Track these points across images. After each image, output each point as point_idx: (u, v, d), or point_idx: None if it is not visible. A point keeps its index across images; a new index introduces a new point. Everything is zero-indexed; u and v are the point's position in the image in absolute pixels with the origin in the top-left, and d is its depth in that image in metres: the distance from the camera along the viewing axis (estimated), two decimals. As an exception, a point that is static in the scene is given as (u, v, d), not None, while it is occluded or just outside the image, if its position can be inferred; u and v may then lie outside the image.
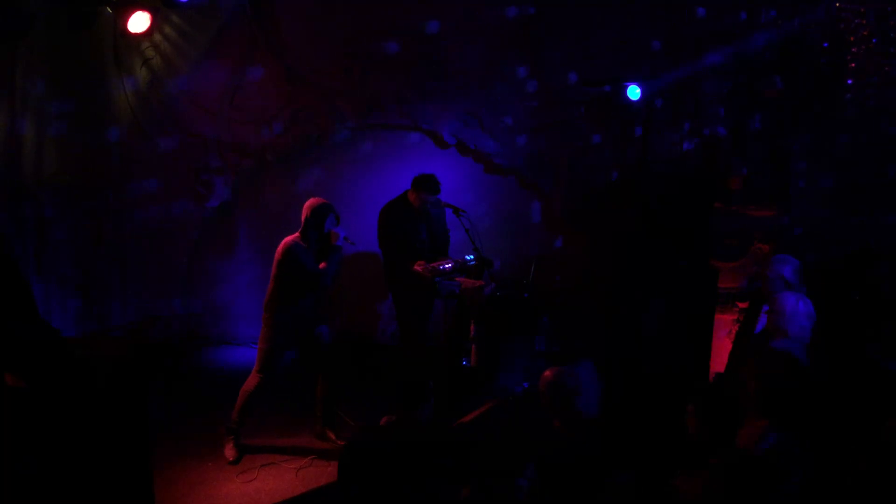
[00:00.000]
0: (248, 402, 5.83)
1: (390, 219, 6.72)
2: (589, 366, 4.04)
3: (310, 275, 5.75)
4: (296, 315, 5.83)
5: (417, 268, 6.62)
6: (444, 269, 6.71)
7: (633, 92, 7.59)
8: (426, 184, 6.64)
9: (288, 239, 5.78)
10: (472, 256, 6.82)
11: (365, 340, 7.67)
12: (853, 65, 7.90)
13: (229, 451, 5.81)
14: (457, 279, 6.87)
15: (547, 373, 4.10)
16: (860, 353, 5.86)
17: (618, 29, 7.89)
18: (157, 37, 7.31)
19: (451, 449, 4.21)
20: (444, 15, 7.64)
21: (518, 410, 6.15)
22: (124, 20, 6.63)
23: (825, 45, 8.02)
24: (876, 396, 4.68)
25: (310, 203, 5.85)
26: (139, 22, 6.69)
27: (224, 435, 5.88)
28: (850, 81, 7.94)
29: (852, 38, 7.84)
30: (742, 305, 6.68)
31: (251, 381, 5.82)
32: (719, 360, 6.60)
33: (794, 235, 7.68)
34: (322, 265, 5.80)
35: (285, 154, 7.91)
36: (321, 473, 5.62)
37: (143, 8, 6.63)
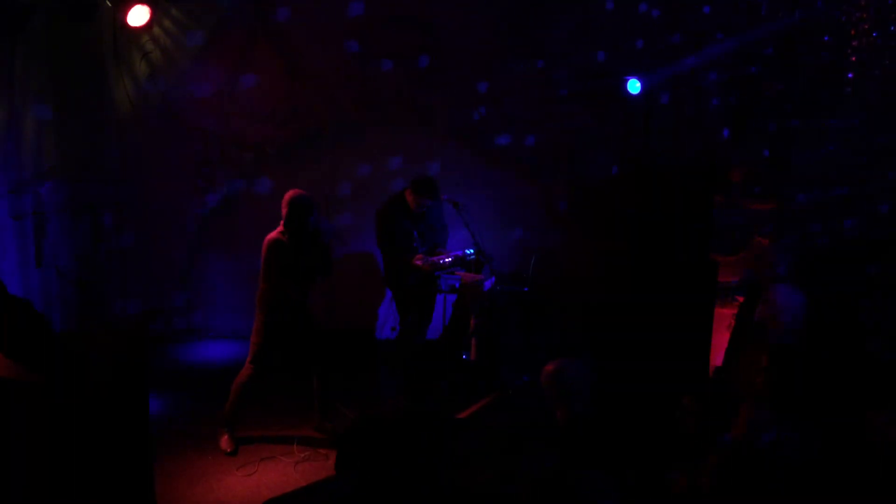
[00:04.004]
0: (241, 393, 5.86)
1: (386, 217, 6.69)
2: (587, 361, 4.07)
3: (287, 271, 5.70)
4: (287, 311, 5.82)
5: (417, 262, 6.62)
6: (444, 263, 6.72)
7: (634, 85, 7.60)
8: (426, 189, 6.59)
9: (271, 235, 5.75)
10: (471, 251, 6.82)
11: (365, 335, 7.67)
12: (854, 58, 7.89)
13: (225, 443, 5.84)
14: (457, 273, 6.87)
15: (549, 366, 4.14)
16: (859, 345, 5.85)
17: (620, 21, 7.87)
18: (157, 30, 7.30)
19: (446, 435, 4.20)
20: (445, 6, 7.62)
21: (518, 404, 6.17)
22: (124, 13, 6.63)
23: (826, 38, 8.01)
24: (872, 388, 4.67)
25: (290, 198, 5.69)
26: (139, 15, 6.70)
27: (219, 427, 5.90)
28: (850, 75, 7.94)
29: (853, 32, 7.83)
30: (742, 300, 6.67)
31: (243, 373, 5.86)
32: (720, 354, 6.59)
33: (795, 228, 7.69)
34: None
35: (285, 147, 7.90)
36: (321, 467, 5.63)
37: (142, 1, 6.63)
